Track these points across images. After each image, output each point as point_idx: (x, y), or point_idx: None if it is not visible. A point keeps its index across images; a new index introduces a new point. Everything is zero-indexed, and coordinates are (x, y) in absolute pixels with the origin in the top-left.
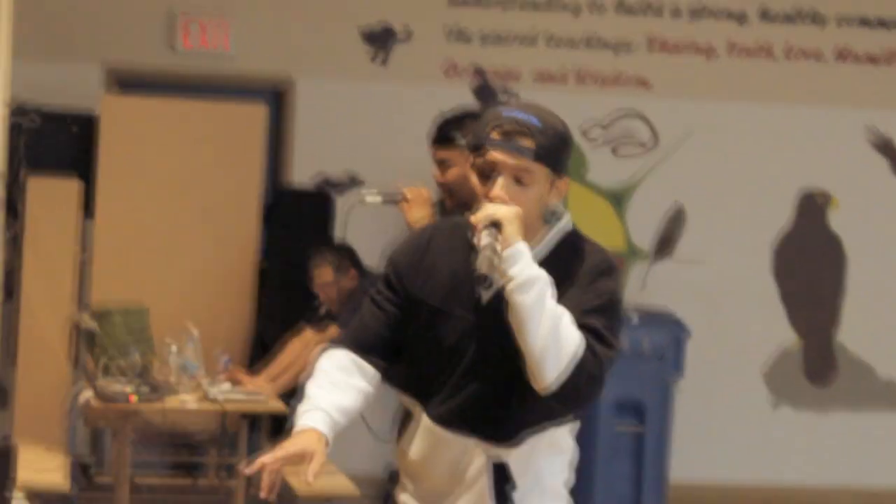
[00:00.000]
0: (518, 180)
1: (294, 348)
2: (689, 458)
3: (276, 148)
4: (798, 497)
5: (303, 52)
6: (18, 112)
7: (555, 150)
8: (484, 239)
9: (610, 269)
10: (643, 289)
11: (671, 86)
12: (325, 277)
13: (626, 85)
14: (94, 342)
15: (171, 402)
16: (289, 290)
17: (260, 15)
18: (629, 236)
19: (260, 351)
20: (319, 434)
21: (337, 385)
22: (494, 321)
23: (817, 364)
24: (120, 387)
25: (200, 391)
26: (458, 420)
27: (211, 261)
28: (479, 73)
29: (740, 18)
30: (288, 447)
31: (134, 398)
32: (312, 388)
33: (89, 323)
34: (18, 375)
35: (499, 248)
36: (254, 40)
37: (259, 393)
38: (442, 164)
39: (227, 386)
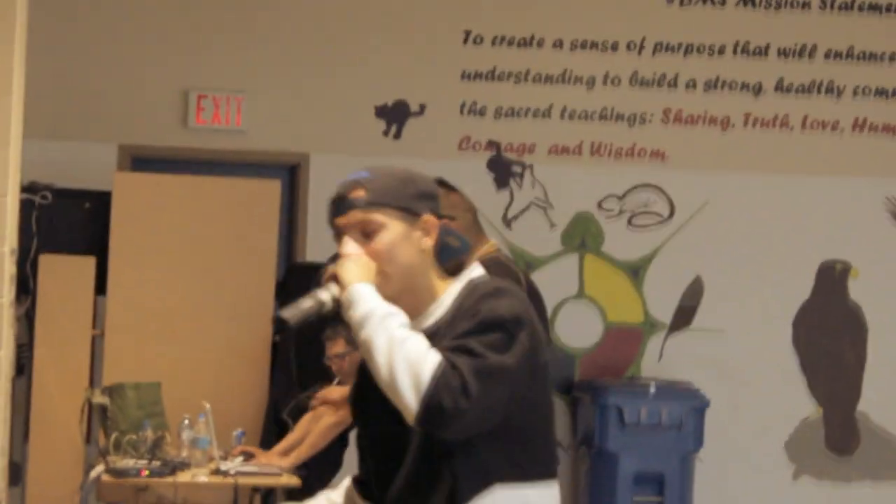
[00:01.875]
0: (364, 234)
1: (306, 422)
2: None
3: (290, 223)
4: None
5: (315, 127)
6: (30, 189)
7: (392, 191)
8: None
9: (494, 292)
10: (661, 360)
11: (687, 157)
12: (337, 349)
13: (642, 157)
14: (106, 417)
15: (183, 476)
16: (302, 365)
17: (272, 91)
18: (647, 308)
19: (273, 425)
20: None
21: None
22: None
23: (838, 434)
24: (132, 462)
25: (213, 466)
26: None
27: (224, 336)
28: (492, 146)
29: (756, 90)
30: None
31: (146, 473)
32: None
33: (101, 398)
34: (30, 451)
35: (327, 294)
36: (267, 116)
37: (272, 467)
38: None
39: (239, 460)
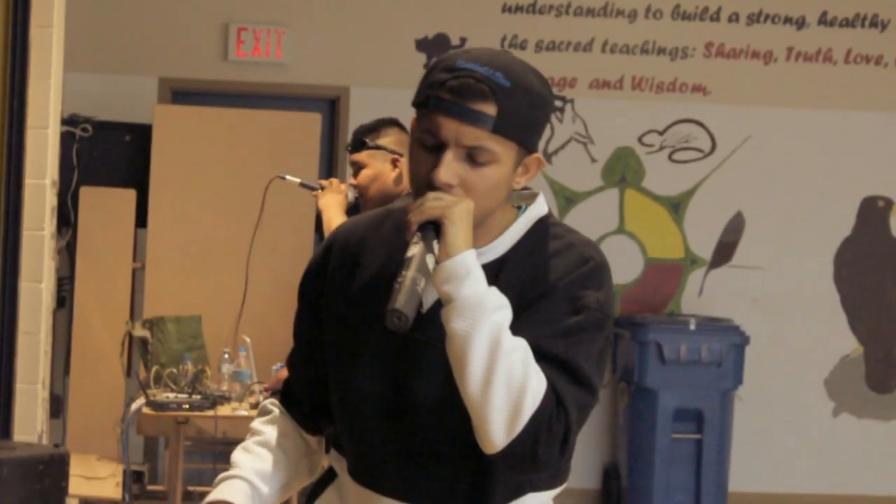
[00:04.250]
0: (471, 158)
1: None
2: (749, 467)
3: (329, 157)
4: None
5: (356, 60)
6: (71, 122)
7: (525, 120)
8: (413, 248)
9: (595, 271)
10: (701, 296)
11: (729, 92)
12: None
13: (684, 91)
14: (146, 350)
15: (223, 410)
16: None
17: (313, 24)
18: (687, 243)
19: None
20: None
21: (266, 445)
22: (440, 337)
23: (879, 371)
24: (172, 395)
25: (253, 399)
26: (391, 481)
27: (265, 269)
28: None
29: (799, 23)
30: None
31: (186, 406)
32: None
33: (142, 331)
34: (71, 384)
35: (431, 260)
36: (307, 49)
37: None
38: (355, 167)
39: None
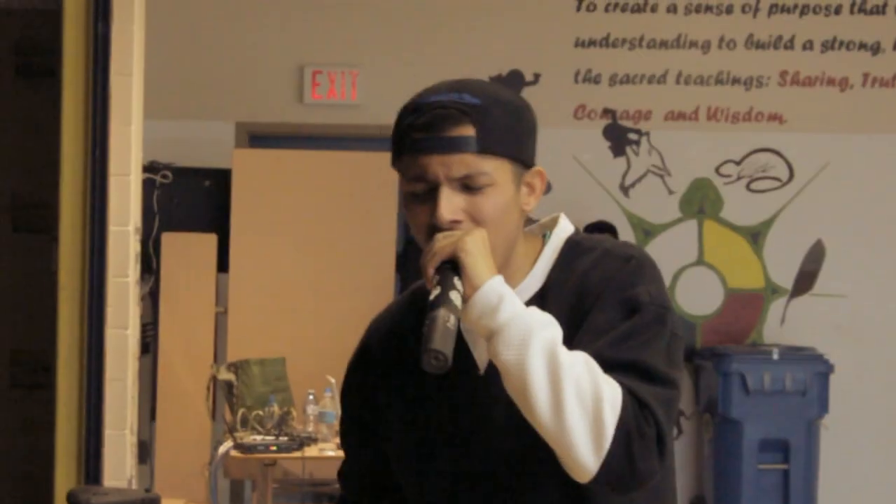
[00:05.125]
0: (468, 187)
1: None
2: (836, 497)
3: None
4: None
5: None
6: (151, 168)
7: (508, 132)
8: (434, 291)
9: (639, 267)
10: (783, 325)
11: (805, 119)
12: None
13: (759, 120)
14: (232, 394)
15: (311, 451)
16: None
17: (387, 65)
18: (767, 272)
19: None
20: None
21: None
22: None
23: None
24: (259, 437)
25: (339, 440)
26: None
27: (346, 310)
28: (608, 113)
29: (874, 49)
30: None
31: (273, 448)
32: None
33: (226, 375)
34: (157, 429)
35: (458, 297)
36: (381, 90)
37: None
38: None
39: None
